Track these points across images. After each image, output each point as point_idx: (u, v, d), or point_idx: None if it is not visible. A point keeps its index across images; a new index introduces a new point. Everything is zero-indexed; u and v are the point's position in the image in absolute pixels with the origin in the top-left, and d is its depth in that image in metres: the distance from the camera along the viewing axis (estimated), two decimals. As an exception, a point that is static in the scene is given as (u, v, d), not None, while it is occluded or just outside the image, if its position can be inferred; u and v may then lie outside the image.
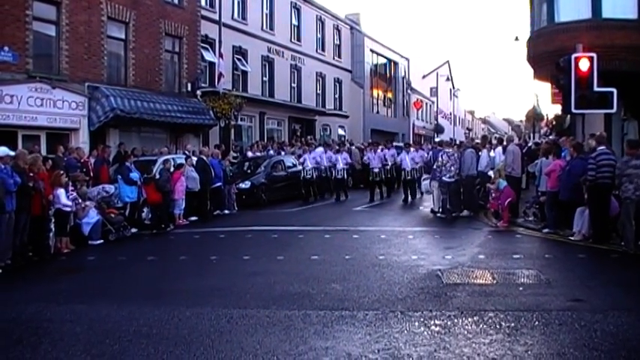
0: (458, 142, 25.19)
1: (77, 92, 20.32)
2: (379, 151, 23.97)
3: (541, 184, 15.05)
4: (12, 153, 12.51)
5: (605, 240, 12.48)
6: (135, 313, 7.96)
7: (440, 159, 17.71)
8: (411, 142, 40.20)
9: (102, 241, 14.47)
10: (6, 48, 17.93)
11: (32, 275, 11.35)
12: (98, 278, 11.10)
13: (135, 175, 16.63)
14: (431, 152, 22.20)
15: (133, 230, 15.84)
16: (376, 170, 22.87)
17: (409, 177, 22.29)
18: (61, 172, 13.90)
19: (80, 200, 14.36)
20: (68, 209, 13.46)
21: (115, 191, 16.28)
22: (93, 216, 14.48)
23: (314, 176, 23.36)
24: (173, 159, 18.83)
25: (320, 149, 25.36)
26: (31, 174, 12.32)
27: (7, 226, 11.49)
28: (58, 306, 8.65)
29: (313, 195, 23.54)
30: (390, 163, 23.33)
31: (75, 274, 11.52)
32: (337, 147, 26.31)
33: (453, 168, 17.32)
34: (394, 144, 29.26)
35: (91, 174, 17.16)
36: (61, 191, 13.35)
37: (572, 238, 13.05)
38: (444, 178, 17.36)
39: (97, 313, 8.13)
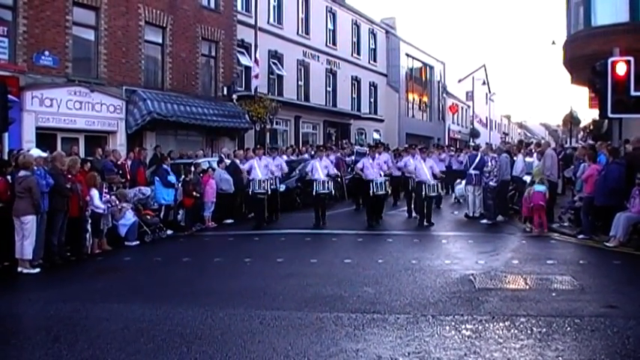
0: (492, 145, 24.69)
1: (115, 96, 20.71)
2: (377, 156, 18.32)
3: (583, 189, 14.84)
4: (44, 155, 12.77)
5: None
6: (169, 313, 8.09)
7: (489, 164, 17.54)
8: (445, 144, 39.43)
9: (138, 242, 14.72)
10: (47, 52, 18.35)
11: (69, 275, 11.57)
12: (134, 278, 11.30)
13: (172, 177, 16.83)
14: (466, 156, 21.71)
15: (169, 232, 16.08)
16: (380, 181, 17.14)
17: (433, 192, 17.41)
18: (95, 173, 14.12)
19: (117, 202, 14.58)
20: (100, 211, 13.64)
21: (151, 193, 16.51)
22: (129, 217, 14.70)
23: (269, 190, 17.74)
24: (209, 162, 19.06)
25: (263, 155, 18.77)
26: (70, 176, 12.55)
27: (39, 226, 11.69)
28: (95, 305, 8.81)
29: (267, 216, 18.23)
30: (383, 173, 17.71)
31: (111, 274, 11.70)
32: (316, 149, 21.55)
33: (495, 172, 17.20)
34: (387, 145, 25.36)
35: (128, 176, 17.41)
36: (94, 193, 13.54)
37: (607, 244, 12.86)
38: (490, 182, 17.23)
39: (132, 312, 8.29)
